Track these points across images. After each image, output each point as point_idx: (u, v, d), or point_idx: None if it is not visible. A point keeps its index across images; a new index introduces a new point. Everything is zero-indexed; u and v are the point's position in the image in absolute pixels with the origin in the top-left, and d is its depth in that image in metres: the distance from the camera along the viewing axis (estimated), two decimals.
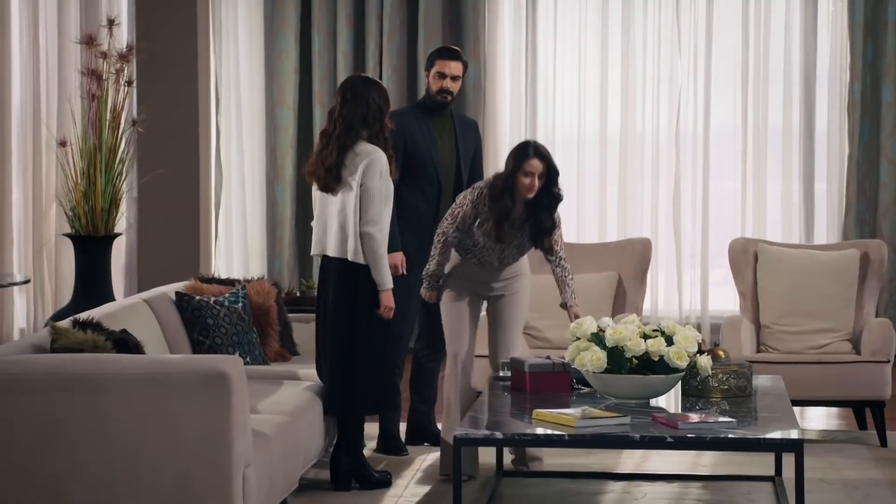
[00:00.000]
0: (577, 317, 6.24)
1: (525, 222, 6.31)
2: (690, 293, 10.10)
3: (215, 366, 4.82)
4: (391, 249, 6.35)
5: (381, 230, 6.08)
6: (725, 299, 9.69)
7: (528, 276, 6.55)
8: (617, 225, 9.96)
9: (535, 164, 6.17)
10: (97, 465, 4.79)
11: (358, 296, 6.14)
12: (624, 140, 10.00)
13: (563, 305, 6.41)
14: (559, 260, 6.40)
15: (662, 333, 5.75)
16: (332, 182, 6.14)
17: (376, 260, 6.07)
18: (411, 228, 6.89)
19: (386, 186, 6.12)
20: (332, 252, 6.19)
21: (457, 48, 7.21)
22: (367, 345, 6.17)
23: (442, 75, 6.98)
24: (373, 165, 6.06)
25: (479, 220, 6.27)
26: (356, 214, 6.07)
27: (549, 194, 6.25)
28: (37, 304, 9.73)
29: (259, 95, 10.24)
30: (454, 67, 7.00)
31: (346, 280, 6.16)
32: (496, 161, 10.09)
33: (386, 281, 6.12)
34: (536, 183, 6.17)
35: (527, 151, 6.19)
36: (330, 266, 6.22)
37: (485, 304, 6.61)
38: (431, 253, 6.44)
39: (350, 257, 6.12)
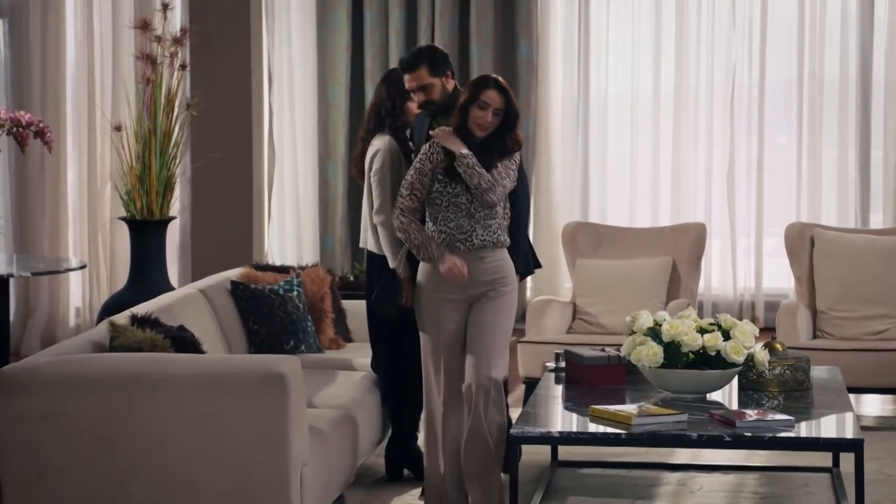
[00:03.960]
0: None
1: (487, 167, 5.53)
2: (745, 266, 10.02)
3: (273, 366, 4.82)
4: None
5: (389, 219, 5.97)
6: (779, 271, 9.62)
7: (515, 287, 5.70)
8: (671, 194, 9.86)
9: (493, 96, 5.49)
10: (155, 465, 4.81)
11: (372, 285, 6.16)
12: (678, 102, 9.90)
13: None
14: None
15: (719, 327, 5.72)
16: (358, 173, 6.24)
17: (387, 249, 6.02)
18: None
19: (395, 175, 6.00)
20: (361, 242, 6.29)
21: (413, 53, 6.04)
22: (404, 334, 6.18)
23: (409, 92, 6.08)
24: (376, 157, 6.09)
25: (438, 175, 5.58)
26: (369, 206, 6.12)
27: (502, 140, 5.55)
28: (92, 284, 9.80)
29: (311, 73, 10.23)
30: (416, 78, 5.96)
31: (370, 270, 6.20)
32: (548, 141, 10.04)
33: (401, 269, 5.99)
34: (490, 118, 5.49)
35: (486, 82, 5.54)
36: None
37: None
38: (405, 236, 5.63)
39: (367, 246, 6.19)
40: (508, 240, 5.67)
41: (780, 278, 9.73)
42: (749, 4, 9.87)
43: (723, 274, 9.92)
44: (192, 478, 4.81)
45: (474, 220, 5.56)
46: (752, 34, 9.88)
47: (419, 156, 5.62)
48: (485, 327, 5.58)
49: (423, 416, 5.82)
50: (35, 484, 4.82)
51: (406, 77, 5.96)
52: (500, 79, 5.58)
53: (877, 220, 9.86)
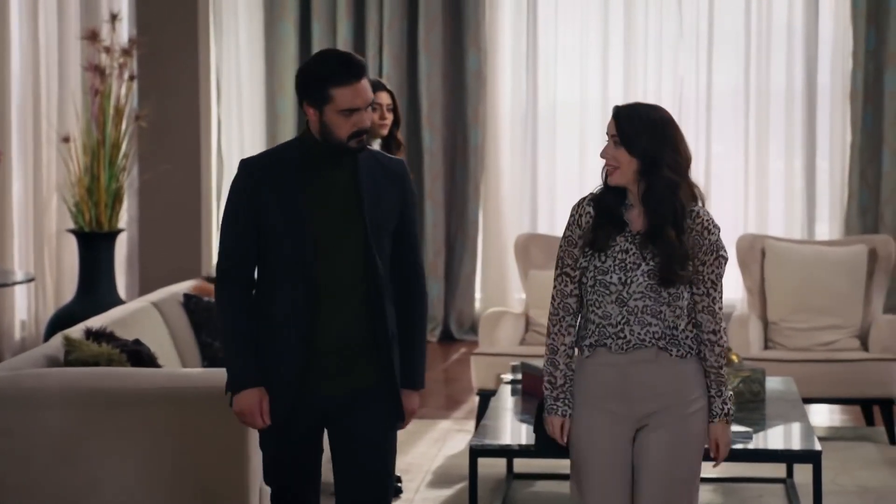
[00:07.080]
0: (716, 452, 3.95)
1: (647, 235, 3.89)
2: None
3: None
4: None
5: None
6: (725, 282, 9.67)
7: (703, 407, 3.93)
8: None
9: (609, 126, 4.05)
10: (114, 480, 4.76)
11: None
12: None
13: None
14: (708, 335, 3.93)
15: None
16: None
17: None
18: None
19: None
20: None
21: (356, 59, 3.98)
22: None
23: (350, 112, 3.95)
24: None
25: (585, 247, 3.92)
26: None
27: (652, 178, 3.91)
28: (38, 297, 9.69)
29: (259, 84, 10.21)
30: (367, 90, 3.98)
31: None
32: (497, 151, 10.04)
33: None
34: (610, 150, 4.01)
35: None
36: None
37: None
38: (549, 342, 3.98)
39: None
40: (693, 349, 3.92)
41: (726, 289, 9.77)
42: (696, 15, 9.95)
43: None
44: (152, 493, 4.77)
45: (627, 308, 3.87)
46: (699, 45, 9.97)
47: (568, 219, 4.00)
48: (656, 473, 3.89)
49: None
50: None
51: (355, 87, 3.96)
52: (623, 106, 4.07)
53: (822, 230, 9.97)
